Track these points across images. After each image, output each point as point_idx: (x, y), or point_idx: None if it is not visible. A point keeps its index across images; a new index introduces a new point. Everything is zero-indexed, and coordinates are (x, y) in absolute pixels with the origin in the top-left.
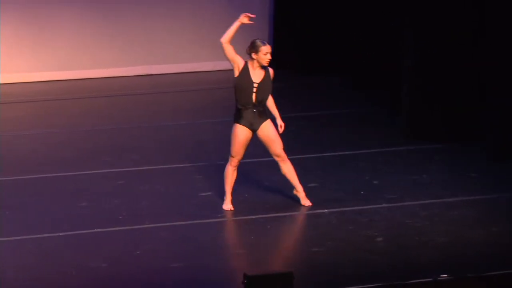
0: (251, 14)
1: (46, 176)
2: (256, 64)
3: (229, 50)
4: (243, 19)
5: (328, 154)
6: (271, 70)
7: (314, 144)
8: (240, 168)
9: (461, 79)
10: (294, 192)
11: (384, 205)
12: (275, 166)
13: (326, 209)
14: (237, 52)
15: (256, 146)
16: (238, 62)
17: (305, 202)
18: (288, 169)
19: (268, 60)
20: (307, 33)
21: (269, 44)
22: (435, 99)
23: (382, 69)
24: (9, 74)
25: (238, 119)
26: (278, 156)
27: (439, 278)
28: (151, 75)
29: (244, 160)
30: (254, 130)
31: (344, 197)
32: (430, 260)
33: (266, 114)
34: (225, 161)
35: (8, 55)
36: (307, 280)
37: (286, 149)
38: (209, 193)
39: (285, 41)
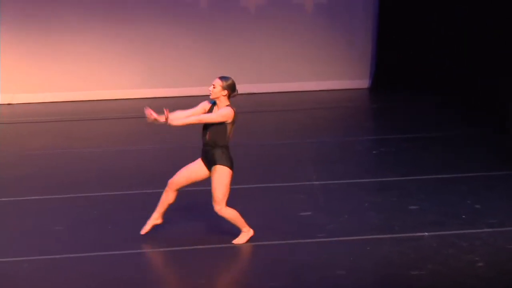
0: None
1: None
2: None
3: (212, 117)
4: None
5: (430, 176)
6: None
7: (416, 166)
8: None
9: None
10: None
11: (485, 229)
12: (371, 189)
13: (426, 232)
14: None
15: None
16: (230, 115)
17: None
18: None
19: (210, 93)
20: (410, 52)
21: (220, 77)
22: None
23: (485, 88)
24: (116, 91)
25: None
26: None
27: None
28: (254, 93)
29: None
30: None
31: (444, 220)
32: None
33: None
34: (327, 179)
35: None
36: None
37: (387, 171)
38: (309, 213)
39: (387, 60)
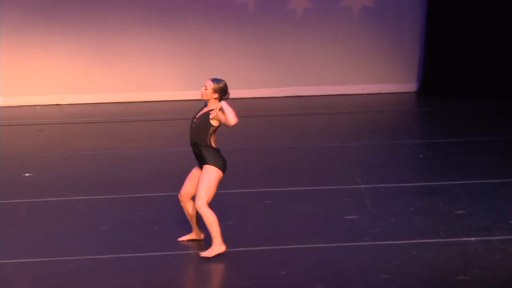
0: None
1: None
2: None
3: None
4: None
5: (477, 181)
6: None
7: (463, 170)
8: (387, 191)
9: None
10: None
11: None
12: (416, 193)
13: (473, 237)
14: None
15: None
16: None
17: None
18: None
19: (201, 94)
20: (458, 55)
21: (212, 80)
22: None
23: None
24: (164, 92)
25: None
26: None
27: None
28: (300, 96)
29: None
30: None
31: (491, 225)
32: None
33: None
34: (373, 183)
35: (162, 74)
36: None
37: (434, 175)
38: (355, 217)
39: (435, 64)
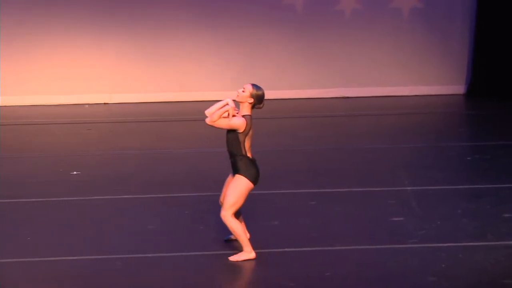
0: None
1: None
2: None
3: (222, 123)
4: (230, 108)
5: None
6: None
7: (511, 173)
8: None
9: None
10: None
11: None
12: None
13: None
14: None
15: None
16: (240, 125)
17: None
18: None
19: (237, 94)
20: (508, 59)
21: (252, 84)
22: None
23: None
24: (211, 92)
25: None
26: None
27: None
28: (348, 97)
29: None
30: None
31: None
32: None
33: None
34: (420, 185)
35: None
36: None
37: (481, 177)
38: (401, 219)
39: (484, 66)
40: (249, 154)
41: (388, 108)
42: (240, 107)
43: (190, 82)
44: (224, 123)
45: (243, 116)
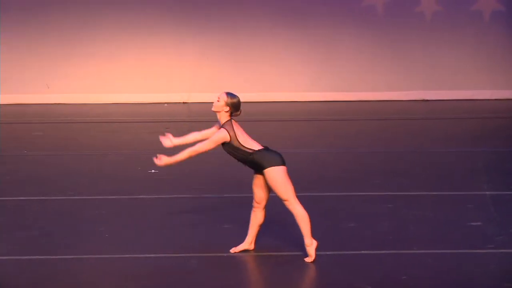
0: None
1: (313, 195)
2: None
3: (207, 146)
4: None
5: None
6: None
7: None
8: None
9: None
10: None
11: None
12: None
13: None
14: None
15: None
16: (224, 137)
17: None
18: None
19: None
20: None
21: (226, 93)
22: None
23: None
24: (290, 93)
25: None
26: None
27: None
28: (427, 100)
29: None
30: None
31: None
32: None
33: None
34: (499, 189)
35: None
36: None
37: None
38: (479, 223)
39: None
40: (255, 147)
41: (468, 111)
42: (218, 116)
43: (269, 83)
44: (208, 145)
45: (223, 124)
